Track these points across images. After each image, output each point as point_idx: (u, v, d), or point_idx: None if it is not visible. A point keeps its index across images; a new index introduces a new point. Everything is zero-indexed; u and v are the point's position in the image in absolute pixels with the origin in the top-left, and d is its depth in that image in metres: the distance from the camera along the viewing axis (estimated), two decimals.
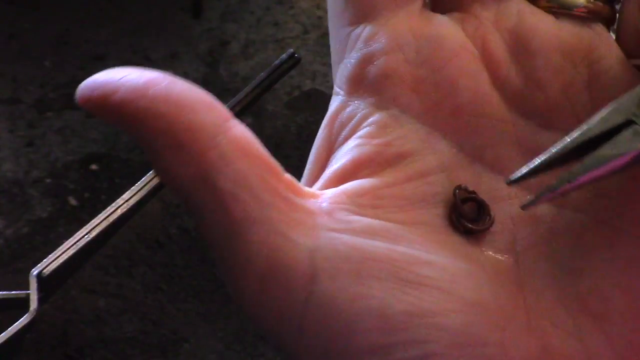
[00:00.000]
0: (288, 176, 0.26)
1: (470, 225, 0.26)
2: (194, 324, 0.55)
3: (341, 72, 0.29)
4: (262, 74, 0.57)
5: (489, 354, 0.24)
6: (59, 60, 0.67)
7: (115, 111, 0.24)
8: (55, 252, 0.47)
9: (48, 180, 0.61)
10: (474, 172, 0.27)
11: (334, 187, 0.27)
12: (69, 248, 0.47)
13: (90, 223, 0.49)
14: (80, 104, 0.24)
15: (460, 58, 0.28)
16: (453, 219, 0.27)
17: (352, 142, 0.28)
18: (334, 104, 0.29)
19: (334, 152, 0.28)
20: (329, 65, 0.31)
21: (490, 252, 0.26)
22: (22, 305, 0.46)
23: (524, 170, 0.24)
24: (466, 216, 0.26)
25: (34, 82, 0.66)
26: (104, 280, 0.57)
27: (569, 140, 0.24)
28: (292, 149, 0.63)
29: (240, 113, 0.55)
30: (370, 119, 0.28)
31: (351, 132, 0.28)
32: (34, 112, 0.64)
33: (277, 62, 0.57)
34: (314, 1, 0.73)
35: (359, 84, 0.28)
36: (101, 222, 0.49)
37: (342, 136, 0.28)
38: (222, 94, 0.66)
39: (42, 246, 0.57)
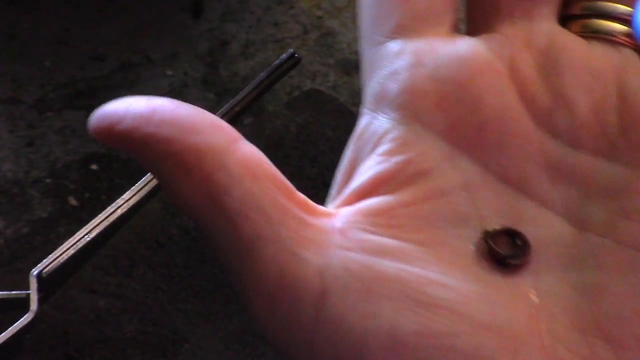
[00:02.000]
0: (301, 195, 0.26)
1: (511, 261, 0.26)
2: (194, 324, 0.55)
3: (369, 91, 0.29)
4: (262, 74, 0.57)
5: None
6: (59, 60, 0.67)
7: (123, 139, 0.24)
8: (55, 252, 0.47)
9: (48, 180, 0.61)
10: (498, 191, 0.27)
11: (352, 204, 0.27)
12: (69, 248, 0.47)
13: (90, 223, 0.49)
14: (93, 135, 0.25)
15: (486, 75, 0.28)
16: (486, 251, 0.26)
17: (372, 160, 0.27)
18: (362, 122, 0.28)
19: (357, 169, 0.28)
20: (329, 65, 0.31)
21: (509, 276, 0.26)
22: (22, 305, 0.46)
23: None
24: (498, 250, 0.26)
25: (34, 82, 0.66)
26: (104, 280, 0.56)
27: None
28: (292, 149, 0.63)
29: (240, 113, 0.55)
30: (390, 135, 0.27)
31: (373, 149, 0.28)
32: (34, 112, 0.64)
33: (277, 62, 0.57)
34: (314, 1, 0.73)
35: (383, 101, 0.28)
36: (101, 222, 0.49)
37: (365, 152, 0.28)
38: (222, 94, 0.66)
39: (42, 246, 0.57)
